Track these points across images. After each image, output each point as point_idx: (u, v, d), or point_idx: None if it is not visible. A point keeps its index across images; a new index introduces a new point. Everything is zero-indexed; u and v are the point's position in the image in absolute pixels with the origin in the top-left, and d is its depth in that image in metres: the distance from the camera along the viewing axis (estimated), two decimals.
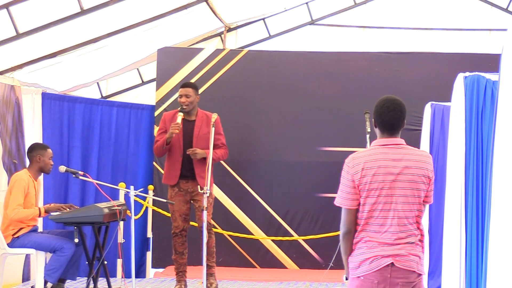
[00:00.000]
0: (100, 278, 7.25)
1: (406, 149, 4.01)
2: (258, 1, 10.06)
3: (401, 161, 3.94)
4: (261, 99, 9.80)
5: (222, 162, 9.44)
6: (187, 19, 9.53)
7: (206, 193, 6.82)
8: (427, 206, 4.16)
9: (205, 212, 6.82)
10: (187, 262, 7.76)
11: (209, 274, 7.59)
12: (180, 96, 7.66)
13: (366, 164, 3.93)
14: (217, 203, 9.48)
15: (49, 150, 7.27)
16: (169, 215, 8.02)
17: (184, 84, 7.88)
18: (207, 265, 7.62)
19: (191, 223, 7.84)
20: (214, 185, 8.95)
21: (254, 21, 10.46)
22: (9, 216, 6.93)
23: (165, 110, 9.45)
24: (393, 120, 3.98)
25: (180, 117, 7.51)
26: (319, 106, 9.70)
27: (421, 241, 3.99)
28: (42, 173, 7.37)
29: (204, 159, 7.45)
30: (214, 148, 7.32)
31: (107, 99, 10.02)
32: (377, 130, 4.06)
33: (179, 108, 7.62)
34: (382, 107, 3.99)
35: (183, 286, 7.70)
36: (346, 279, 4.10)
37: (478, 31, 10.48)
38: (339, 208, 4.03)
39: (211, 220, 7.70)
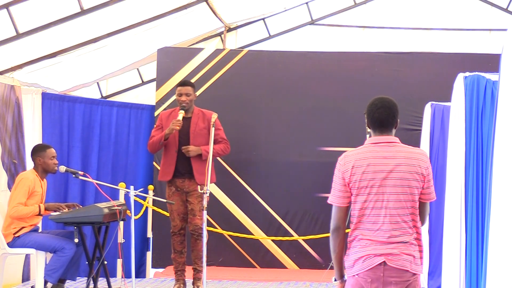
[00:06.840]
0: (100, 278, 7.25)
1: (398, 147, 4.00)
2: (258, 1, 10.06)
3: (392, 159, 3.94)
4: (261, 99, 9.80)
5: (222, 162, 9.45)
6: (187, 19, 9.53)
7: (206, 193, 6.82)
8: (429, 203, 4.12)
9: (205, 212, 6.82)
10: (185, 261, 7.75)
11: (197, 279, 7.59)
12: (180, 94, 7.62)
13: (357, 162, 3.94)
14: (217, 203, 9.48)
15: (50, 150, 7.22)
16: (169, 215, 8.01)
17: (184, 82, 7.85)
18: (195, 269, 7.61)
19: None
20: (213, 184, 8.92)
21: (254, 21, 10.46)
22: (9, 213, 6.94)
23: (165, 110, 9.44)
24: (382, 116, 3.99)
25: (181, 114, 7.51)
26: (319, 106, 9.70)
27: (417, 239, 3.96)
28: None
29: (200, 156, 7.46)
30: (213, 143, 7.29)
31: (107, 99, 10.02)
32: (370, 131, 4.07)
33: (178, 107, 7.62)
34: (371, 105, 4.03)
35: (181, 285, 7.69)
36: (335, 280, 4.08)
37: (478, 31, 10.48)
38: None
39: (202, 224, 7.59)
